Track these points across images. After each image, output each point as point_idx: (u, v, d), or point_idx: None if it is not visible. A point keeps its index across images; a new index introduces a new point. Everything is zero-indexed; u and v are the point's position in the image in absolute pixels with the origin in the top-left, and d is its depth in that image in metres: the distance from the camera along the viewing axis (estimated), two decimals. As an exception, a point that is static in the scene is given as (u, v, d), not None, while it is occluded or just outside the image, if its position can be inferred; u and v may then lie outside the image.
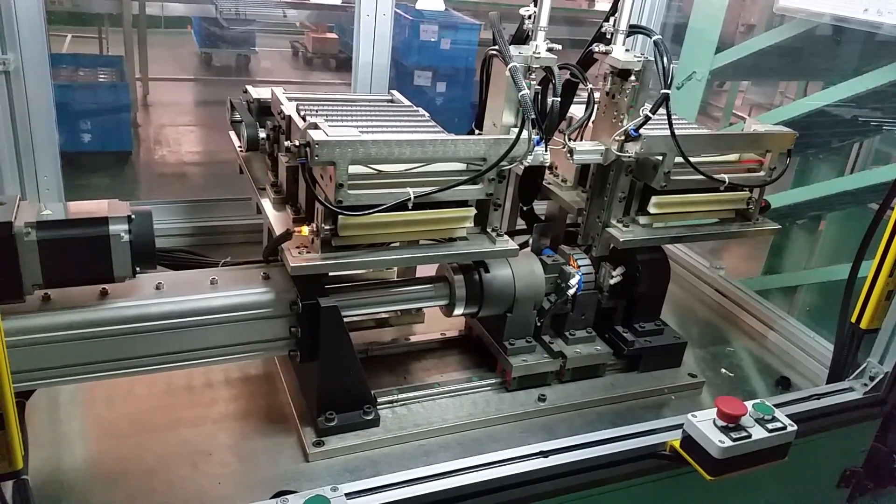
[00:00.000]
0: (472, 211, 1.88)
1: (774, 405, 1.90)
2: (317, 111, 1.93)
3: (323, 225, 1.71)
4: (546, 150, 1.90)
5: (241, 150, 2.21)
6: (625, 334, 2.35)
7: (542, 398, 2.17)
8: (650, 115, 1.96)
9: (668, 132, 1.98)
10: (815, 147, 3.65)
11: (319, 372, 1.84)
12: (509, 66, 1.81)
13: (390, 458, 1.89)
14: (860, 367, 2.28)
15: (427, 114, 2.15)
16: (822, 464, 2.32)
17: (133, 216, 1.63)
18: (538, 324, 2.21)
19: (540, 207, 2.46)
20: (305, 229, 1.73)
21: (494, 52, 1.91)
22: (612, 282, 2.28)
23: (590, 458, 1.81)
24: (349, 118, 1.98)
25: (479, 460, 1.74)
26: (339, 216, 1.69)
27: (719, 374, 2.53)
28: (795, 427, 1.83)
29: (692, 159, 2.04)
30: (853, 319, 2.25)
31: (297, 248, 1.74)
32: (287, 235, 1.74)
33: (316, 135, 1.63)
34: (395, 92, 2.38)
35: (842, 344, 2.32)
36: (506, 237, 1.95)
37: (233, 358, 1.80)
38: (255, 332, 1.79)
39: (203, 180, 6.63)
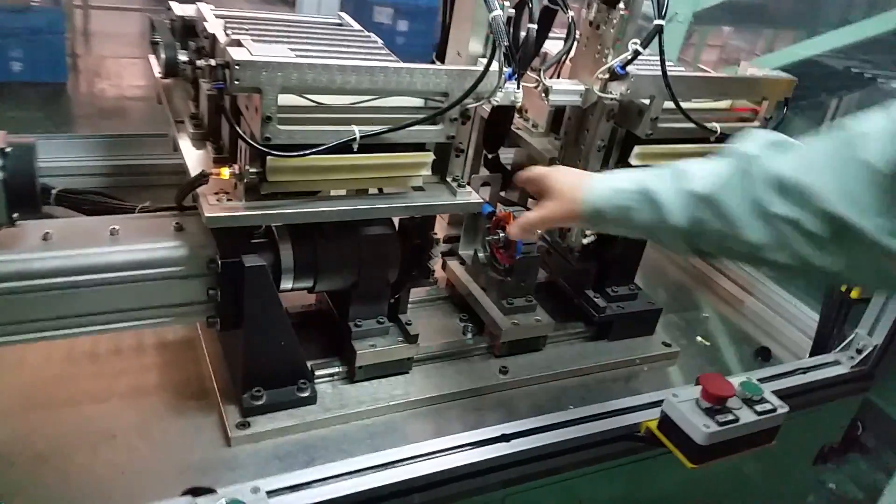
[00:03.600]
0: (430, 156, 1.58)
1: (759, 380, 1.71)
2: (247, 30, 1.60)
3: (248, 167, 1.40)
4: (518, 87, 1.62)
5: (160, 77, 1.86)
6: (596, 299, 2.12)
7: (503, 370, 1.94)
8: (641, 49, 1.69)
9: (657, 72, 1.72)
10: (803, 100, 3.46)
11: (244, 342, 1.56)
12: (479, -18, 1.50)
13: (328, 441, 1.62)
14: (847, 339, 2.12)
15: (381, 41, 1.83)
16: (801, 441, 2.17)
17: (8, 149, 1.30)
18: (392, 301, 1.82)
19: (507, 156, 2.19)
20: (226, 171, 1.41)
21: (461, -34, 1.60)
22: (585, 241, 2.05)
23: (557, 442, 1.60)
24: (286, 40, 1.66)
25: (433, 446, 1.50)
26: (268, 157, 1.39)
27: (694, 343, 2.33)
28: (787, 409, 1.64)
29: (683, 105, 1.79)
30: (843, 288, 2.09)
31: (216, 194, 1.43)
32: (202, 178, 1.42)
33: (237, 53, 1.31)
34: (343, 14, 2.04)
35: (828, 313, 2.16)
36: (469, 188, 1.68)
37: (137, 325, 1.49)
38: (164, 294, 1.48)
39: (146, 115, 6.26)
